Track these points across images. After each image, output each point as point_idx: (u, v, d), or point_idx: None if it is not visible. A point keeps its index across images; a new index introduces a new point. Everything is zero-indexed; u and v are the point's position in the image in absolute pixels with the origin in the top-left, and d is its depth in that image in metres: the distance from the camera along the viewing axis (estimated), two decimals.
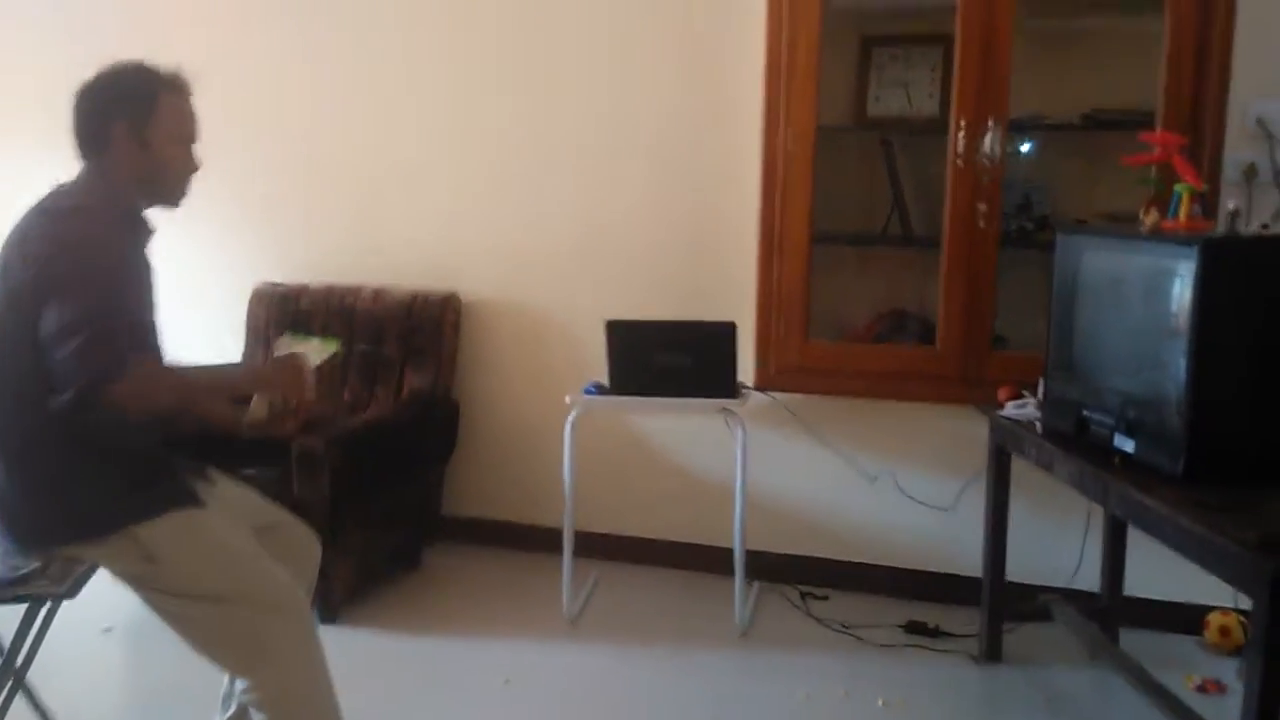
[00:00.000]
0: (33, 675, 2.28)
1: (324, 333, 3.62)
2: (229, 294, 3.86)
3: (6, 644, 2.07)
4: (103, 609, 3.05)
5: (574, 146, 3.59)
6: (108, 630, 3.12)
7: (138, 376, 1.82)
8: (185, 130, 2.05)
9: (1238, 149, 2.87)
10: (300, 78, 3.85)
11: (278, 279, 3.86)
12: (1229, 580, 1.97)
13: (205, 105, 2.08)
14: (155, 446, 2.01)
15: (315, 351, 2.15)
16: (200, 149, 2.08)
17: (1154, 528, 2.18)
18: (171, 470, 2.00)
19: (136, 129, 1.96)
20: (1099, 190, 3.05)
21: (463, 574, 3.64)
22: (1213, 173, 2.73)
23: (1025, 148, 3.21)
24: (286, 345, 2.16)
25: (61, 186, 1.99)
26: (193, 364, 2.11)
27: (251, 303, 3.80)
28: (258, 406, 2.06)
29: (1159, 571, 2.87)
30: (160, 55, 2.06)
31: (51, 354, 1.81)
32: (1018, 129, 3.01)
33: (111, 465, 1.92)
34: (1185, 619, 3.10)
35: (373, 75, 3.77)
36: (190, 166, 2.06)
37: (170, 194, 2.06)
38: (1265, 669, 1.89)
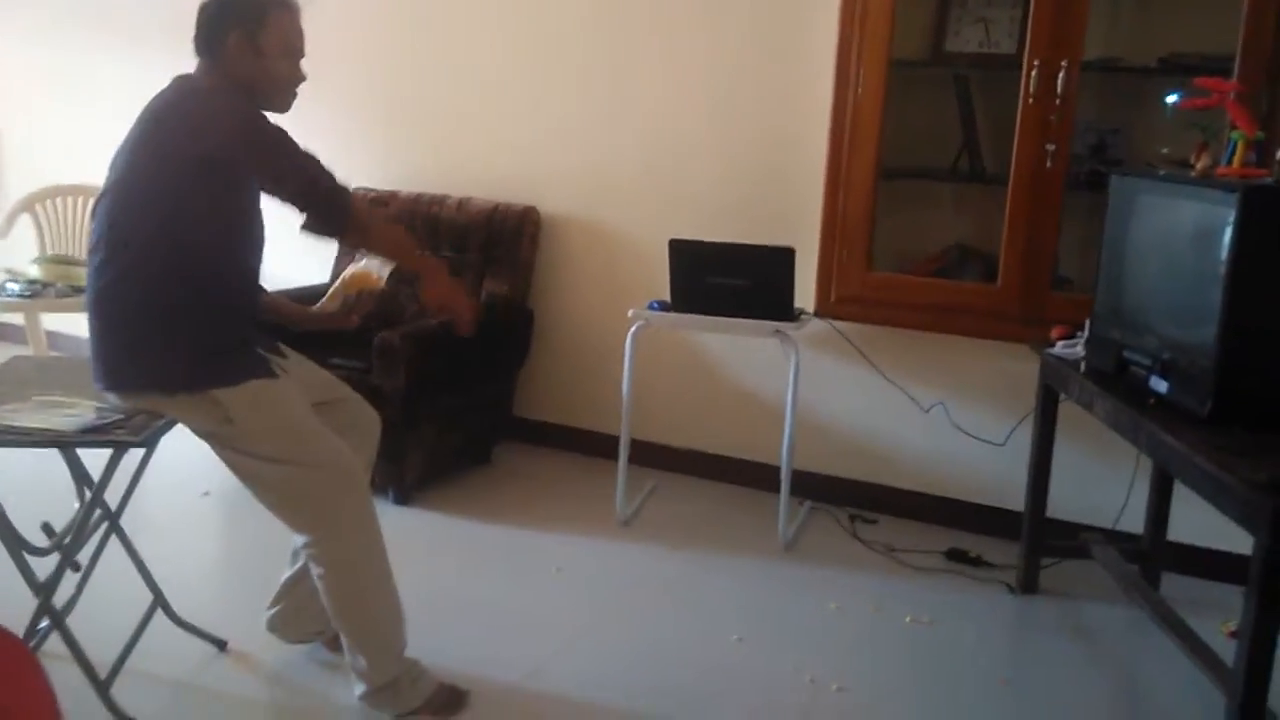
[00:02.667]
0: (135, 527, 2.59)
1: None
2: None
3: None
4: (203, 475, 3.38)
5: (649, 73, 3.70)
6: (206, 494, 3.46)
7: (361, 205, 2.19)
8: (293, 44, 2.23)
9: None
10: (399, 3, 4.04)
11: (370, 185, 4.09)
12: (1237, 520, 2.03)
13: (308, 25, 2.26)
14: (243, 325, 2.23)
15: (376, 268, 2.40)
16: (306, 64, 2.26)
17: (1177, 467, 2.25)
18: (252, 344, 2.22)
19: (251, 39, 2.15)
20: (1175, 136, 3.01)
21: (528, 471, 3.87)
22: None
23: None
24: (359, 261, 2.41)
25: (186, 76, 2.19)
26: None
27: None
28: (330, 300, 2.29)
29: (1207, 518, 2.88)
30: None
31: (294, 194, 2.13)
32: (1091, 70, 2.99)
33: (205, 334, 2.14)
34: (1232, 567, 3.11)
35: (468, 5, 3.94)
36: (296, 78, 2.24)
37: (277, 101, 2.24)
38: (1259, 605, 1.97)
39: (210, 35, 2.17)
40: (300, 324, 2.45)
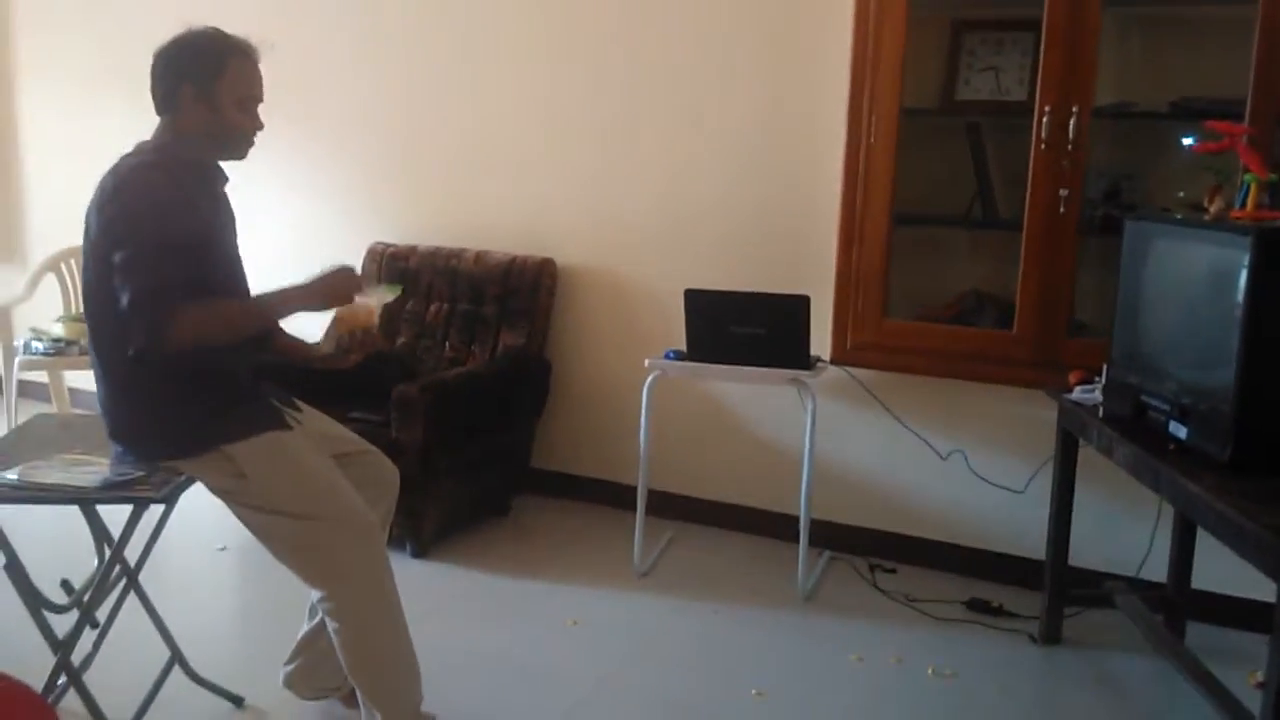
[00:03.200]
0: (152, 583, 2.58)
1: (428, 290, 3.96)
2: (345, 252, 4.11)
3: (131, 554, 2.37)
4: (219, 531, 3.39)
5: (665, 123, 3.73)
6: (222, 549, 3.46)
7: (189, 319, 2.01)
8: (250, 92, 2.19)
9: None
10: (415, 57, 4.11)
11: (389, 239, 4.14)
12: (1259, 567, 1.99)
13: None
14: (248, 377, 2.24)
15: (381, 294, 2.34)
16: (264, 110, 2.23)
17: (1198, 514, 2.22)
18: (262, 398, 2.24)
19: (204, 90, 2.13)
20: (1190, 180, 3.01)
21: (546, 523, 3.86)
22: None
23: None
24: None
25: (141, 144, 2.21)
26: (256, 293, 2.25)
27: (365, 261, 4.09)
28: (325, 341, 2.27)
29: (1232, 565, 2.84)
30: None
31: (118, 302, 2.02)
32: (1104, 115, 3.01)
33: (208, 391, 2.15)
34: (1259, 615, 3.06)
35: (482, 58, 4.00)
36: (254, 126, 2.21)
37: (235, 149, 2.22)
38: None
39: (165, 90, 2.16)
40: (304, 362, 2.40)
